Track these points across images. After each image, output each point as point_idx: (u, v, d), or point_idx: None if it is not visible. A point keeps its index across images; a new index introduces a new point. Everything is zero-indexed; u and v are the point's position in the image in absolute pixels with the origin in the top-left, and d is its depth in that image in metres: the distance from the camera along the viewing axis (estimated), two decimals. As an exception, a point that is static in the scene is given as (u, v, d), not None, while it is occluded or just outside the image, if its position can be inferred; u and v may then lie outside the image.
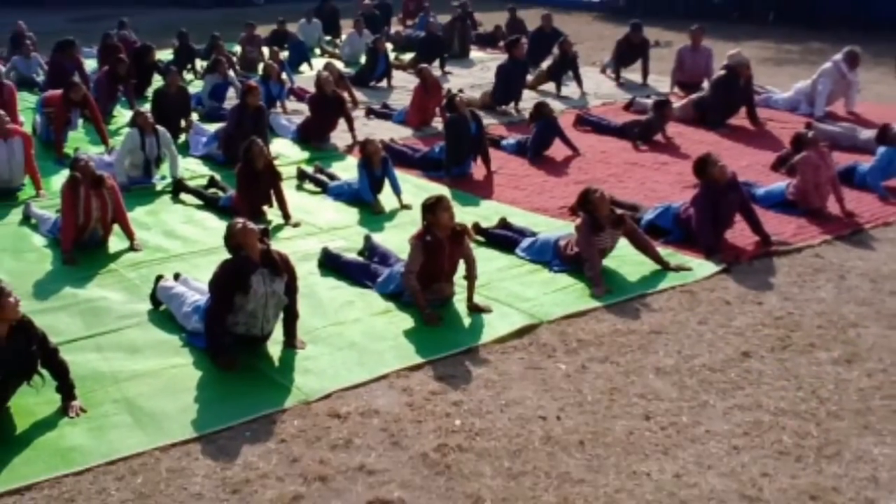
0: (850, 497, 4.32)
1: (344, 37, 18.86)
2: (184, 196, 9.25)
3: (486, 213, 8.41)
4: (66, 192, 7.51)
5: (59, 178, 8.93)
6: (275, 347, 5.89)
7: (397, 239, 7.54)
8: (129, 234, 7.86)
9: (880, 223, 8.07)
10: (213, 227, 8.18)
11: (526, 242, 7.49)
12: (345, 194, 9.07)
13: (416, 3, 22.64)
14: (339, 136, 11.31)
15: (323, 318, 6.34)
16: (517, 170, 10.11)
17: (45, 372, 5.13)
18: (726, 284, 6.83)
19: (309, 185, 9.63)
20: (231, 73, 13.95)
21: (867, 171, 8.95)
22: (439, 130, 11.17)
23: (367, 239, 7.57)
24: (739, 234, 7.61)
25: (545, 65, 14.82)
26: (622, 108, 12.94)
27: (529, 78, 13.89)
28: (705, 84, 13.01)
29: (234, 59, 16.00)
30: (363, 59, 15.90)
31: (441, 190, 8.61)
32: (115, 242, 7.88)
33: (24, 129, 10.30)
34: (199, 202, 9.08)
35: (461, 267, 6.50)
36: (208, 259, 7.17)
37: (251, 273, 5.55)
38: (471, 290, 6.46)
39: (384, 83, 15.09)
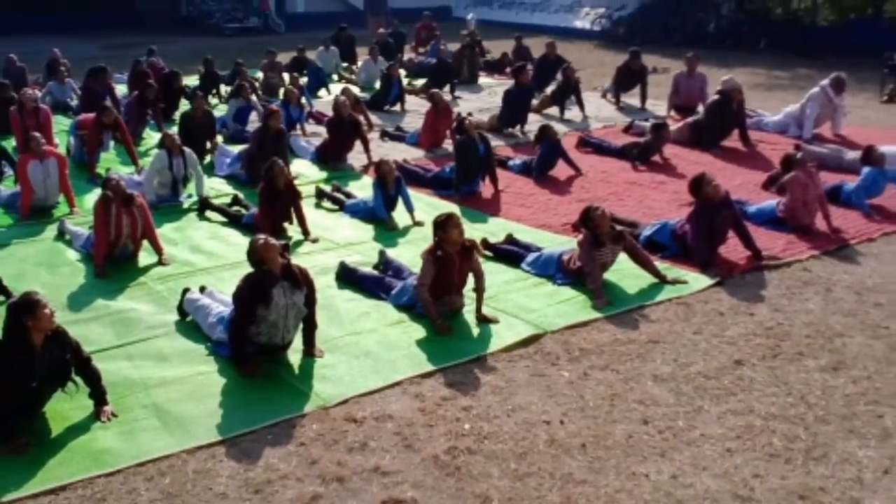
0: (837, 497, 4.32)
1: (360, 63, 18.96)
2: (209, 213, 9.29)
3: (493, 230, 8.44)
4: (98, 210, 7.56)
5: (92, 197, 8.97)
6: (295, 356, 5.91)
7: (410, 254, 7.59)
8: (157, 250, 7.90)
9: (864, 239, 8.07)
10: (237, 243, 8.21)
11: (531, 257, 7.51)
12: (361, 212, 9.10)
13: (428, 31, 22.78)
14: (355, 157, 11.36)
15: (340, 329, 6.37)
16: (523, 189, 10.13)
17: (78, 379, 5.17)
18: (720, 297, 6.83)
19: (327, 204, 9.67)
20: (254, 97, 14.03)
21: (852, 189, 8.96)
22: (449, 152, 11.20)
23: (382, 254, 7.61)
24: (732, 249, 7.61)
25: (549, 90, 14.82)
26: (622, 131, 12.95)
27: (534, 102, 13.95)
28: (700, 108, 13.02)
29: (257, 84, 16.10)
30: (378, 85, 15.94)
31: (451, 208, 8.63)
32: (145, 257, 7.92)
33: (58, 150, 10.36)
34: (224, 219, 9.12)
35: (470, 280, 6.51)
36: (232, 273, 7.22)
37: (272, 286, 5.57)
38: (479, 301, 6.48)
39: (398, 107, 15.15)
